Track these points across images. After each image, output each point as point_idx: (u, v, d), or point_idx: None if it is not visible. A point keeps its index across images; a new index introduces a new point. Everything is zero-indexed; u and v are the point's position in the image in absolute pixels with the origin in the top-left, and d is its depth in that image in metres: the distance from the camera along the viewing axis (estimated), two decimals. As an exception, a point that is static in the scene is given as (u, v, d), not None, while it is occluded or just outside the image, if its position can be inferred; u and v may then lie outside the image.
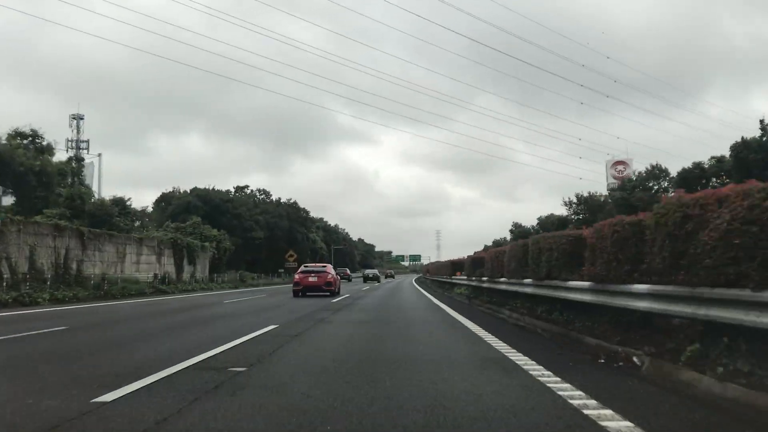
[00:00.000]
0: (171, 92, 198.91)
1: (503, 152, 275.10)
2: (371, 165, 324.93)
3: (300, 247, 74.75)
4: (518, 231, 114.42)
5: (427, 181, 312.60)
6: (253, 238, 54.74)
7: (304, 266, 26.66)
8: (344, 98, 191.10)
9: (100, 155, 79.30)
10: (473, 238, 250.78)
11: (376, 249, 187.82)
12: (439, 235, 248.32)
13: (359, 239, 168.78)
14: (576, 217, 68.85)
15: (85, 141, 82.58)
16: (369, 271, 65.51)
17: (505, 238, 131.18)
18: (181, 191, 54.20)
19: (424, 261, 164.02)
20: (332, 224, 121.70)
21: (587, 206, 70.11)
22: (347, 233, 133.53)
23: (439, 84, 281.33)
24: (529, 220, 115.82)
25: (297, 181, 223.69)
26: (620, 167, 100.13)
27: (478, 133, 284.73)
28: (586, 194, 72.41)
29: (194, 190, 54.39)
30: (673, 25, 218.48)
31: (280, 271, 61.61)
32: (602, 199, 68.47)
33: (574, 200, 68.39)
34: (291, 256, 68.04)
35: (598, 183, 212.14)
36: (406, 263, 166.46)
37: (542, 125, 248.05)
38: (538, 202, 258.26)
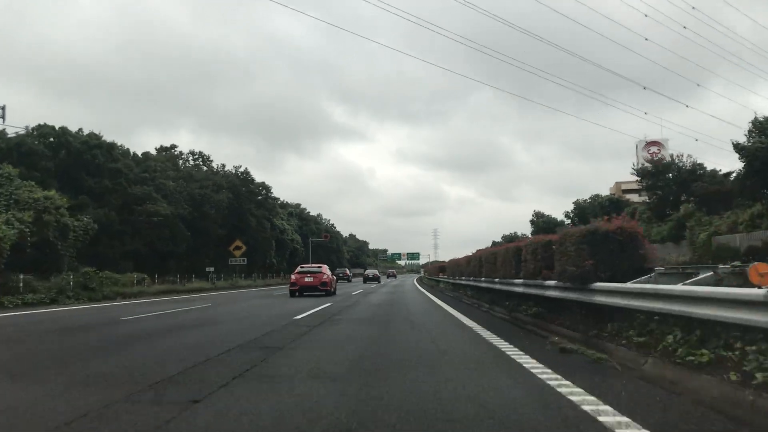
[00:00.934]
0: (158, 88, 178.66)
1: (501, 150, 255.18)
2: (366, 163, 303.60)
3: (257, 237, 52.95)
4: (541, 222, 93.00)
5: (423, 180, 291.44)
6: (148, 213, 32.46)
7: (301, 267, 27.24)
8: (338, 95, 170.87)
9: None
10: (471, 238, 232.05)
11: (370, 246, 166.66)
12: (437, 234, 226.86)
13: (350, 235, 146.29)
14: (651, 196, 46.98)
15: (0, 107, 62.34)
16: (369, 271, 62.78)
17: (516, 232, 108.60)
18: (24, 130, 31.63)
19: (423, 260, 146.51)
20: (313, 213, 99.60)
21: (663, 173, 47.70)
22: (333, 225, 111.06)
23: (436, 79, 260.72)
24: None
25: (291, 180, 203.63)
26: (654, 149, 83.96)
27: (475, 131, 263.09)
28: (670, 156, 50.44)
29: (41, 128, 31.64)
30: (673, 18, 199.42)
31: (209, 270, 39.71)
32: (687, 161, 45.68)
33: (648, 166, 46.23)
34: (238, 248, 46.36)
35: (601, 181, 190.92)
36: (402, 262, 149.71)
37: (542, 122, 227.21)
38: (538, 202, 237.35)
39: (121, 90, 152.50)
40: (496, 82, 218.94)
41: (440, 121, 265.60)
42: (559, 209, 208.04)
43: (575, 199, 73.45)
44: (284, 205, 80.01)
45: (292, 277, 25.57)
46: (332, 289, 25.86)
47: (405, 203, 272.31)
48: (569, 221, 74.94)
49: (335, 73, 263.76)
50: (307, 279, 24.75)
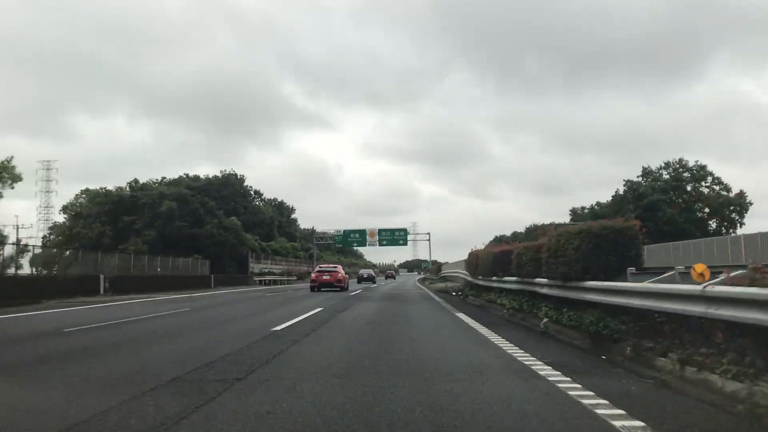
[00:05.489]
0: (82, 58, 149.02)
1: (477, 142, 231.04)
2: (333, 157, 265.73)
3: None
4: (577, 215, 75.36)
5: (395, 177, 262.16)
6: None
7: (319, 267, 32.25)
8: (296, 72, 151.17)
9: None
10: (456, 239, 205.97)
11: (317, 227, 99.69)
12: (416, 228, 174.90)
13: (273, 199, 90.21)
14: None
15: None
16: (364, 271, 57.60)
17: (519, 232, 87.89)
18: None
19: (411, 249, 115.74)
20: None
21: None
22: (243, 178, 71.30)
23: (406, 55, 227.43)
24: (511, 217, 77.72)
25: (252, 175, 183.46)
26: None
27: (448, 119, 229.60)
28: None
29: None
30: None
31: None
32: None
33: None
34: None
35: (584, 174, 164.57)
36: (371, 250, 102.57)
37: (523, 107, 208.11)
38: (520, 200, 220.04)
39: (40, 61, 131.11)
40: (472, 57, 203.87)
41: (411, 108, 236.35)
42: (545, 208, 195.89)
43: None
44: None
45: (312, 275, 29.79)
46: (345, 286, 29.58)
47: (376, 201, 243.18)
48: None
49: (289, 44, 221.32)
50: (324, 277, 28.67)
